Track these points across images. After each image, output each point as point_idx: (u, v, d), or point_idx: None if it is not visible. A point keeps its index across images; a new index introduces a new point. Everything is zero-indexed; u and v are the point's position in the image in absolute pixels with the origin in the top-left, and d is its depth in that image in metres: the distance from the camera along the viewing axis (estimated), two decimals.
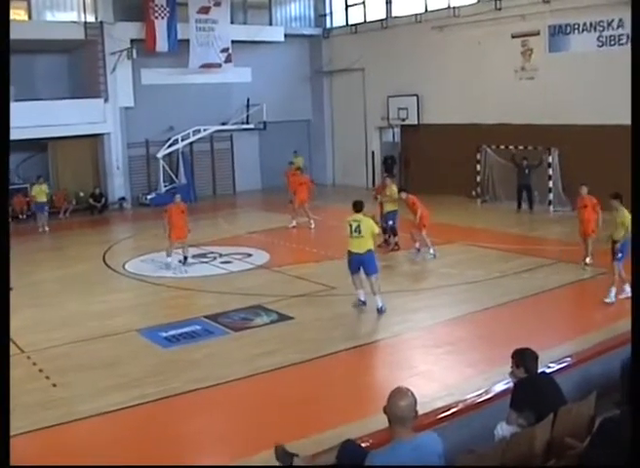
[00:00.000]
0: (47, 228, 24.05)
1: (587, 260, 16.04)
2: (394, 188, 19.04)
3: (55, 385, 10.27)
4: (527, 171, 24.10)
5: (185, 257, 17.97)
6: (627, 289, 12.53)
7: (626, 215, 12.44)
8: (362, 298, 13.54)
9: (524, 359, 6.77)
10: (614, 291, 13.11)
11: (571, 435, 6.13)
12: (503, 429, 6.42)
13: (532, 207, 24.22)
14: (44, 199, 24.60)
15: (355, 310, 13.51)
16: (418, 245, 17.91)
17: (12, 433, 8.21)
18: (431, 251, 17.59)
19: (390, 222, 18.62)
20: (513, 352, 6.90)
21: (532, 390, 6.59)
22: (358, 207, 13.58)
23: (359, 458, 5.34)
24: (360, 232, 13.22)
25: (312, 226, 22.63)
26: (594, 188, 16.34)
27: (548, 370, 7.63)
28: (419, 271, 16.29)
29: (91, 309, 14.33)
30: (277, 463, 6.61)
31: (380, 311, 13.23)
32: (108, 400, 9.56)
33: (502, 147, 25.09)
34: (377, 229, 13.65)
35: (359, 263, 13.38)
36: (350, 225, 13.32)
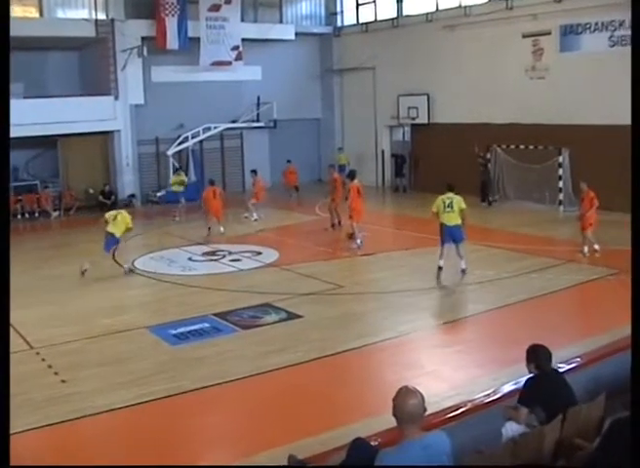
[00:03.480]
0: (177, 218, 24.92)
1: (585, 249, 17.06)
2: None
3: (64, 381, 10.28)
4: (484, 167, 25.95)
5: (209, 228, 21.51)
6: None
7: None
8: (441, 265, 15.84)
9: (536, 355, 6.68)
10: None
11: (580, 436, 6.11)
12: (513, 429, 6.36)
13: (487, 201, 25.96)
14: (180, 189, 25.62)
15: (363, 309, 13.50)
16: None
17: (20, 429, 8.37)
18: (358, 241, 19.06)
19: None
20: (527, 348, 6.84)
21: (542, 387, 6.54)
22: (451, 187, 15.93)
23: (369, 457, 5.30)
24: (452, 207, 15.56)
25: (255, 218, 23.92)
26: (604, 188, 16.53)
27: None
28: (428, 270, 16.22)
29: (100, 306, 14.35)
30: (283, 462, 6.60)
31: (463, 272, 15.69)
32: (117, 397, 9.58)
33: (513, 147, 25.04)
34: (464, 205, 15.66)
35: (449, 234, 15.63)
36: (444, 201, 15.64)
